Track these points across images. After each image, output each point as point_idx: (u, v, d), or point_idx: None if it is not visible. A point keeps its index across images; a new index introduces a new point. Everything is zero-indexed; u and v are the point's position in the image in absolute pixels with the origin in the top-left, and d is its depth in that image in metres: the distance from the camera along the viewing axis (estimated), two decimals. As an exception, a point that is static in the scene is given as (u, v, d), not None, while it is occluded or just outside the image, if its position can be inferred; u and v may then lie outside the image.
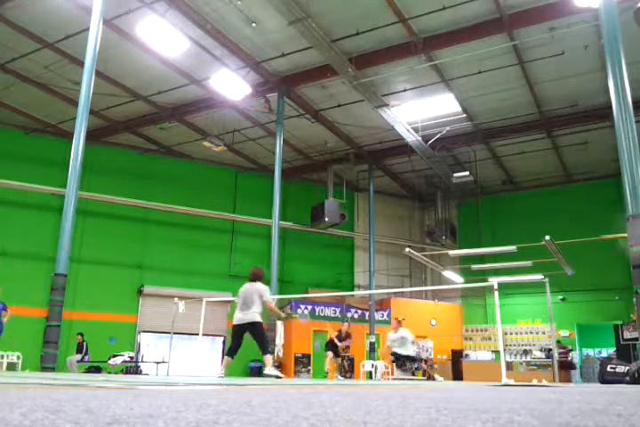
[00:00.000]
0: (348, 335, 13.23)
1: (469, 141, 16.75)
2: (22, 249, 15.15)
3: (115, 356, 13.93)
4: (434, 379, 12.42)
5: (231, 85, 12.82)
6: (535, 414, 1.28)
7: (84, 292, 15.06)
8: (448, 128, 15.44)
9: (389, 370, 14.29)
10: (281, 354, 17.05)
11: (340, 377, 13.08)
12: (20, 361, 13.65)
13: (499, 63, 12.80)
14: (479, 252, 16.23)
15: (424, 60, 12.52)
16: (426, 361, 18.31)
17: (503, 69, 13.05)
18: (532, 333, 18.71)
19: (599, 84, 13.07)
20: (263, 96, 14.19)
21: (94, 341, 14.18)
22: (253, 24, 11.62)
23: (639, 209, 6.38)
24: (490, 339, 19.03)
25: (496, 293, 7.97)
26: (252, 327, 7.70)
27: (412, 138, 15.05)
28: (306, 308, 17.74)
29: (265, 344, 7.80)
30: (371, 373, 15.32)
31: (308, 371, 17.03)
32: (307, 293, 17.48)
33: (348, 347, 13.61)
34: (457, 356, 19.14)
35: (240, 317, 7.77)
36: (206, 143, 15.06)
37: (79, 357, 13.69)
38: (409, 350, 11.93)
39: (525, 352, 18.32)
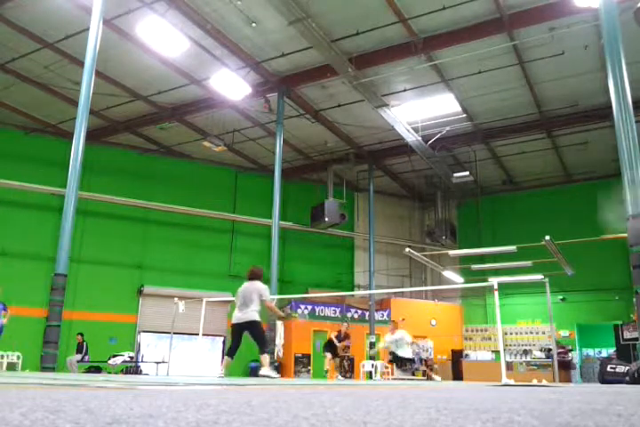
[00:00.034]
0: (346, 336, 13.24)
1: (469, 141, 16.75)
2: (22, 249, 15.16)
3: (115, 356, 13.93)
4: (432, 379, 12.46)
5: (231, 85, 12.82)
6: (535, 414, 1.28)
7: (83, 292, 15.06)
8: (448, 128, 15.44)
9: (389, 370, 14.30)
10: (281, 354, 17.07)
11: (340, 377, 13.08)
12: (20, 361, 13.64)
13: (499, 63, 12.80)
14: (479, 252, 16.23)
15: (424, 60, 12.52)
16: (426, 361, 18.35)
17: (503, 69, 13.05)
18: (532, 333, 18.71)
19: (599, 84, 13.07)
20: (263, 96, 14.19)
21: (94, 341, 14.18)
22: (253, 24, 11.62)
23: (639, 209, 6.38)
24: (490, 339, 19.03)
25: (496, 293, 7.98)
26: (251, 326, 7.69)
27: (412, 138, 15.05)
28: (306, 308, 17.74)
29: (263, 344, 7.77)
30: (371, 373, 15.32)
31: (308, 371, 17.03)
32: (307, 293, 17.48)
33: (347, 347, 13.62)
34: (457, 356, 19.14)
35: (239, 316, 7.76)
36: (206, 143, 15.07)
37: (79, 357, 13.69)
38: (406, 352, 11.98)
39: (525, 352, 18.32)
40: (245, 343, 7.86)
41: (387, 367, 14.29)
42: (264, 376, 7.66)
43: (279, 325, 16.32)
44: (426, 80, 13.56)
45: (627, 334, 16.03)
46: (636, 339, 13.91)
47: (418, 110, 14.58)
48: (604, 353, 18.55)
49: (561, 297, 18.22)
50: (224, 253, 18.12)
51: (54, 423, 0.91)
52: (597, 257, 16.97)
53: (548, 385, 7.03)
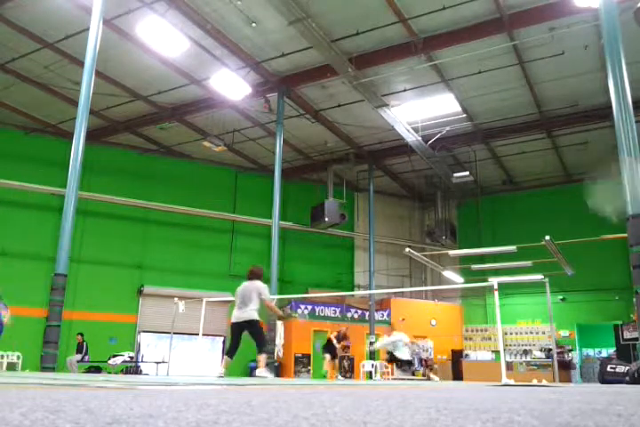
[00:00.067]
0: (345, 337, 13.20)
1: (469, 141, 16.76)
2: (22, 249, 15.16)
3: (115, 356, 13.93)
4: (430, 379, 12.50)
5: (231, 85, 12.82)
6: (535, 414, 1.28)
7: (83, 292, 15.06)
8: (448, 128, 15.44)
9: (389, 370, 14.31)
10: (281, 354, 17.07)
11: (339, 377, 13.09)
12: (20, 361, 13.65)
13: (499, 63, 12.80)
14: (479, 252, 16.24)
15: (424, 60, 12.52)
16: (426, 361, 18.36)
17: (503, 69, 13.05)
18: (532, 333, 18.72)
19: (599, 84, 13.07)
20: (263, 96, 14.19)
21: (94, 341, 14.18)
22: (253, 24, 11.62)
23: (639, 209, 6.38)
24: (490, 339, 19.03)
25: (496, 293, 7.97)
26: (250, 325, 7.68)
27: (412, 138, 15.05)
28: (306, 308, 17.75)
29: (262, 343, 7.75)
30: (371, 373, 15.32)
31: (308, 371, 17.03)
32: (307, 293, 17.48)
33: (347, 347, 13.62)
34: (457, 356, 19.14)
35: (238, 315, 7.76)
36: (206, 143, 15.07)
37: (79, 357, 13.69)
38: (403, 354, 12.04)
39: (525, 352, 18.32)
40: (245, 343, 7.85)
41: (387, 367, 14.29)
42: (260, 377, 7.65)
43: (279, 325, 16.32)
44: (426, 80, 13.56)
45: (627, 334, 16.03)
46: (636, 339, 13.91)
47: (418, 110, 14.59)
48: (604, 353, 18.55)
49: (561, 297, 18.22)
50: (224, 253, 18.12)
51: (54, 423, 0.91)
52: (597, 257, 16.97)
53: (548, 385, 7.03)
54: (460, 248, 18.92)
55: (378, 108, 13.77)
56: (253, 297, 7.74)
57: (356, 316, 18.54)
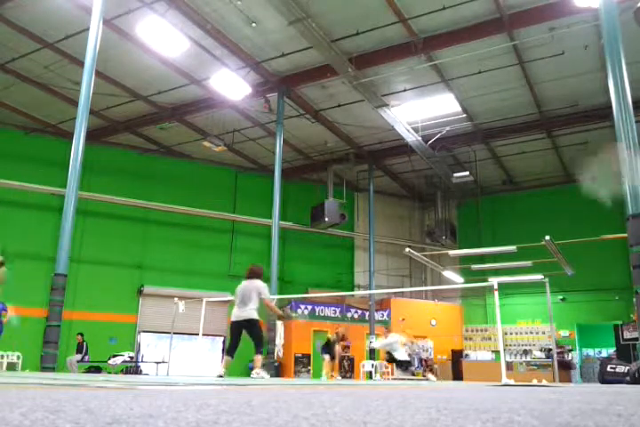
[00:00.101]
0: (343, 338, 13.16)
1: (469, 141, 16.76)
2: (22, 249, 15.15)
3: (115, 356, 13.93)
4: (427, 379, 12.54)
5: (231, 85, 12.82)
6: (535, 414, 1.28)
7: (83, 292, 15.06)
8: (448, 128, 15.45)
9: (389, 370, 14.31)
10: (281, 354, 17.08)
11: (338, 377, 13.08)
12: (20, 361, 13.64)
13: (499, 63, 12.80)
14: (479, 252, 16.24)
15: (424, 60, 12.52)
16: (426, 361, 18.36)
17: (503, 69, 13.05)
18: (532, 333, 18.72)
19: (599, 84, 13.07)
20: (263, 96, 14.19)
21: (94, 341, 14.18)
22: (253, 24, 11.62)
23: (639, 209, 6.38)
24: (490, 339, 19.03)
25: (496, 293, 7.97)
26: (249, 324, 7.69)
27: (412, 138, 15.05)
28: (306, 308, 17.75)
29: (260, 343, 7.74)
30: (371, 373, 15.32)
31: (308, 371, 17.03)
32: (307, 293, 17.48)
33: (347, 347, 13.61)
34: (457, 356, 19.14)
35: (238, 314, 7.77)
36: (206, 143, 15.07)
37: (79, 357, 13.69)
38: (401, 354, 12.10)
39: (525, 352, 18.32)
40: (245, 343, 7.85)
41: (387, 367, 14.29)
42: (256, 378, 7.64)
43: (279, 325, 16.33)
44: (426, 80, 13.56)
45: (627, 334, 16.03)
46: (636, 339, 13.91)
47: (418, 110, 14.59)
48: (604, 353, 18.55)
49: (561, 297, 18.22)
50: (224, 253, 18.12)
51: (54, 423, 0.91)
52: (597, 257, 16.97)
53: (548, 385, 7.03)
54: (460, 248, 18.93)
55: (378, 108, 13.77)
56: (253, 296, 7.75)
57: (356, 316, 18.55)
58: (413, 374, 13.39)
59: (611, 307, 17.46)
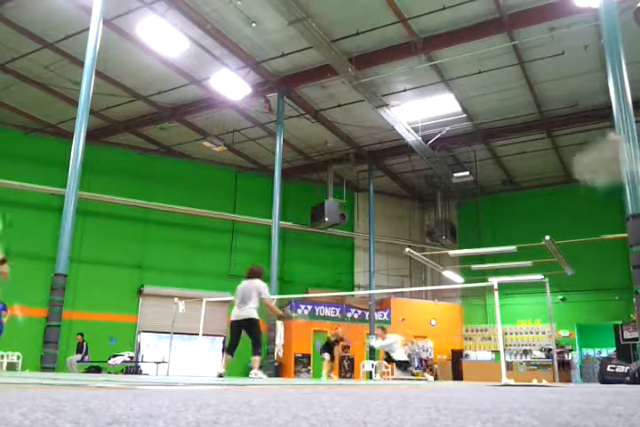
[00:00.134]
0: (341, 339, 13.13)
1: (469, 141, 16.76)
2: (22, 249, 15.14)
3: (115, 356, 13.93)
4: (425, 379, 12.58)
5: (231, 85, 12.82)
6: (535, 414, 1.28)
7: (84, 292, 15.06)
8: (448, 128, 15.44)
9: (389, 370, 14.31)
10: (281, 354, 17.08)
11: (335, 378, 13.07)
12: (20, 361, 13.64)
13: (499, 63, 12.80)
14: (479, 252, 16.24)
15: (424, 60, 12.52)
16: (426, 361, 18.36)
17: (503, 69, 13.05)
18: (532, 333, 18.72)
19: (599, 84, 13.07)
20: (263, 96, 14.19)
21: (94, 341, 14.18)
22: (253, 24, 11.62)
23: (639, 209, 6.38)
24: (490, 339, 19.03)
25: (496, 293, 7.97)
26: (249, 324, 7.71)
27: (412, 138, 15.05)
28: (306, 308, 17.75)
29: (258, 343, 7.75)
30: (371, 373, 15.32)
31: (308, 371, 17.03)
32: (307, 293, 17.48)
33: (347, 347, 13.60)
34: (457, 356, 19.14)
35: (237, 313, 7.80)
36: (206, 143, 15.07)
37: (79, 357, 13.69)
38: (400, 355, 12.14)
39: (525, 352, 18.32)
40: (245, 342, 7.86)
41: (386, 367, 14.29)
42: (254, 378, 7.64)
43: (279, 325, 16.33)
44: (426, 80, 13.56)
45: (627, 334, 16.02)
46: (636, 339, 13.91)
47: (418, 110, 14.59)
48: (604, 353, 18.55)
49: (561, 297, 18.22)
50: (224, 253, 18.12)
51: (54, 423, 0.91)
52: (597, 257, 16.96)
53: (548, 385, 7.03)
54: (460, 248, 18.93)
55: (378, 108, 13.77)
56: (253, 296, 7.77)
57: (355, 316, 18.55)
58: (413, 375, 13.38)
59: (611, 307, 17.46)
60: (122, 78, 13.77)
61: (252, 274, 8.04)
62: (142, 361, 15.02)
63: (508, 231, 19.05)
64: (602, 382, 9.82)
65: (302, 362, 17.08)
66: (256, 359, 7.73)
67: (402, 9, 11.05)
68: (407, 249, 15.02)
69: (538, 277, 13.99)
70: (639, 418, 1.24)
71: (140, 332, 16.58)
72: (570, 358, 17.60)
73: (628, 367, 9.25)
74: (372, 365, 15.37)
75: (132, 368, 14.34)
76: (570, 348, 17.79)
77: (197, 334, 11.60)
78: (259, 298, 7.82)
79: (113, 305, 15.95)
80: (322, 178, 18.78)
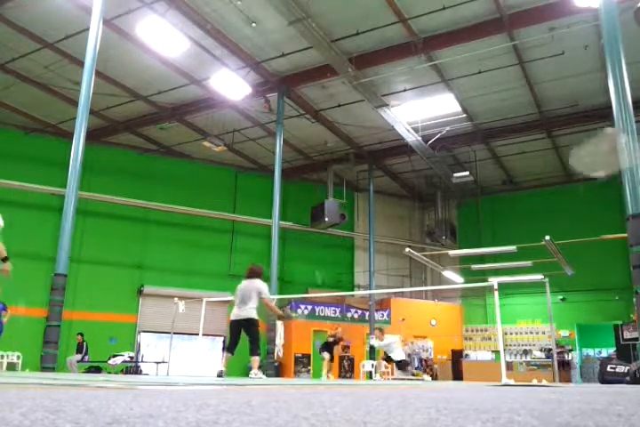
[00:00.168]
0: (340, 339, 13.12)
1: (469, 141, 16.76)
2: (22, 249, 15.14)
3: (115, 356, 13.93)
4: (422, 379, 12.63)
5: (231, 85, 12.82)
6: (535, 414, 1.28)
7: (83, 292, 15.05)
8: (448, 128, 15.44)
9: (389, 370, 14.31)
10: (281, 354, 17.08)
11: (332, 379, 13.07)
12: (20, 361, 13.64)
13: (499, 63, 12.80)
14: (479, 252, 16.24)
15: (424, 60, 12.52)
16: (426, 361, 18.36)
17: (503, 69, 13.05)
18: (532, 333, 18.71)
19: (599, 84, 13.07)
20: (263, 96, 14.19)
21: (94, 341, 14.18)
22: (253, 24, 11.62)
23: (639, 209, 6.38)
24: (490, 339, 19.03)
25: (496, 293, 7.97)
26: (248, 324, 7.73)
27: (412, 138, 15.05)
28: (306, 308, 17.75)
29: (256, 344, 7.76)
30: (371, 373, 15.32)
31: (308, 371, 17.03)
32: (307, 293, 17.48)
33: (347, 347, 13.61)
34: (457, 356, 19.14)
35: (237, 313, 7.82)
36: (206, 143, 15.07)
37: (79, 357, 13.69)
38: (396, 355, 12.17)
39: (525, 352, 18.32)
40: (245, 342, 7.87)
41: (386, 367, 14.30)
42: (254, 378, 7.65)
43: (279, 325, 16.33)
44: (426, 80, 13.56)
45: (627, 334, 16.02)
46: (636, 339, 13.91)
47: (418, 110, 14.59)
48: (604, 353, 18.55)
49: (561, 297, 18.22)
50: (224, 253, 18.12)
51: (54, 423, 0.91)
52: (597, 257, 16.96)
53: (548, 385, 7.03)
54: (460, 248, 18.92)
55: (378, 108, 13.77)
56: (253, 296, 7.78)
57: (355, 316, 18.54)
58: (413, 375, 13.40)
59: (611, 307, 17.46)
60: (122, 78, 13.77)
61: (252, 274, 8.06)
62: (142, 361, 15.02)
63: (508, 231, 19.05)
64: (602, 382, 9.82)
65: (302, 362, 17.08)
66: (255, 359, 7.75)
67: (402, 9, 11.05)
68: (407, 249, 15.02)
69: (538, 277, 13.99)
70: (639, 418, 1.24)
71: (140, 332, 16.58)
72: (570, 358, 17.60)
73: (627, 367, 9.25)
74: (372, 365, 15.36)
75: (132, 368, 14.34)
76: (570, 348, 17.78)
77: (197, 334, 11.60)
78: (259, 298, 7.84)
79: (113, 305, 15.95)
80: (322, 178, 18.78)
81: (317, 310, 17.98)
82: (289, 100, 14.37)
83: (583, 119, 15.02)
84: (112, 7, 10.64)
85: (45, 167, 15.32)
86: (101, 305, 15.65)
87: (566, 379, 16.42)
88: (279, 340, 16.82)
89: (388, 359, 12.49)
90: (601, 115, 14.08)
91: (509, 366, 17.11)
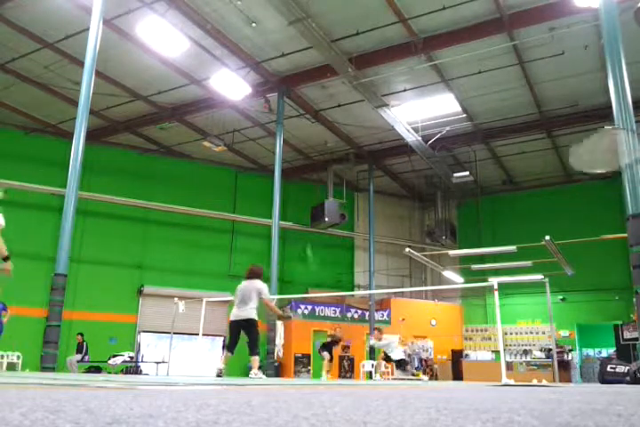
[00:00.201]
0: (339, 339, 13.11)
1: (469, 141, 16.75)
2: (22, 249, 15.13)
3: (115, 356, 13.93)
4: (421, 379, 12.65)
5: (231, 85, 12.82)
6: (535, 414, 1.28)
7: (83, 292, 15.05)
8: (448, 128, 15.44)
9: (389, 370, 14.32)
10: (281, 354, 17.08)
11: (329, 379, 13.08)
12: (20, 361, 13.64)
13: (499, 63, 12.80)
14: (479, 252, 16.24)
15: (424, 60, 12.52)
16: (426, 361, 18.36)
17: (503, 69, 13.05)
18: (532, 333, 18.71)
19: (599, 84, 13.07)
20: (263, 96, 14.19)
21: (94, 341, 14.18)
22: (253, 24, 11.62)
23: (639, 209, 6.38)
24: (490, 339, 19.03)
25: (496, 293, 7.97)
26: (248, 324, 7.74)
27: (412, 138, 15.05)
28: (306, 308, 17.75)
29: (255, 344, 7.77)
30: (371, 373, 15.32)
31: (308, 371, 17.03)
32: (307, 293, 17.48)
33: (347, 347, 13.61)
34: (457, 356, 19.14)
35: (237, 313, 7.83)
36: (206, 143, 15.07)
37: (79, 357, 13.69)
38: (396, 354, 12.19)
39: (525, 352, 18.31)
40: (245, 343, 7.87)
41: (386, 367, 14.30)
42: (254, 378, 7.66)
43: (279, 325, 16.33)
44: (426, 80, 13.56)
45: (627, 334, 16.02)
46: (636, 339, 13.91)
47: (418, 110, 14.59)
48: (604, 353, 18.55)
49: (561, 297, 18.22)
50: (224, 253, 18.12)
51: (54, 423, 0.91)
52: (597, 257, 16.96)
53: (548, 385, 7.03)
54: (460, 248, 18.92)
55: (378, 108, 13.77)
56: (253, 296, 7.79)
57: (355, 316, 18.54)
58: (413, 375, 13.40)
59: (611, 307, 17.45)
60: (122, 78, 13.77)
61: (252, 274, 8.06)
62: (142, 361, 15.02)
63: (508, 231, 19.05)
64: (602, 382, 9.82)
65: (302, 362, 17.08)
66: (255, 359, 7.75)
67: (402, 9, 11.05)
68: (407, 249, 15.02)
69: (538, 277, 13.99)
70: (639, 418, 1.24)
71: (139, 332, 16.58)
72: (570, 358, 17.59)
73: (627, 367, 9.25)
74: (372, 365, 15.36)
75: (132, 368, 14.34)
76: (570, 348, 17.77)
77: (197, 334, 11.60)
78: (258, 298, 7.84)
79: (113, 305, 15.95)
80: (322, 178, 18.78)
81: (317, 310, 17.98)
82: (289, 100, 14.37)
83: (583, 119, 15.02)
84: (112, 7, 10.64)
85: (45, 167, 15.32)
86: (101, 305, 15.65)
87: (566, 379, 16.41)
88: (279, 340, 16.82)
89: (388, 359, 12.51)
90: (601, 115, 14.08)
91: (509, 366, 17.10)
